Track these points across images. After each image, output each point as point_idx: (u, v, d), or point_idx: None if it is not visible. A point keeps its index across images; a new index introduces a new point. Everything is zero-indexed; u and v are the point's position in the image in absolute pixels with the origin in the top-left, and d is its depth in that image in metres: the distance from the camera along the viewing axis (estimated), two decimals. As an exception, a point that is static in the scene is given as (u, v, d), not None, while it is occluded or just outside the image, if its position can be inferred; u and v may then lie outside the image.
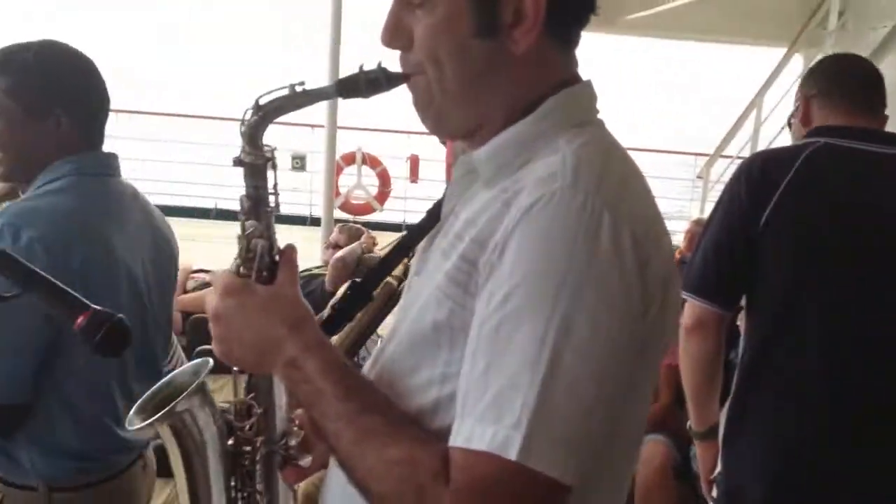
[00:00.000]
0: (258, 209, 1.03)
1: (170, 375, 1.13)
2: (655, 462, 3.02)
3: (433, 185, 11.25)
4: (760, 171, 1.82)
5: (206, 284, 4.73)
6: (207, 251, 7.95)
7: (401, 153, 10.67)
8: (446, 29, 0.91)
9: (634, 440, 0.98)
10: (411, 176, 10.51)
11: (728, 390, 1.95)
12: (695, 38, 8.03)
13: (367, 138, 10.82)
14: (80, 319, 1.00)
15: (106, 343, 1.01)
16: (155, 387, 1.12)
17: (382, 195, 10.57)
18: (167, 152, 11.16)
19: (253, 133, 1.00)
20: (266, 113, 0.99)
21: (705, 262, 1.87)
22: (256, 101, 0.99)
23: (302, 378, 0.91)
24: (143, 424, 1.05)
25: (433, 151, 10.15)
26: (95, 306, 1.01)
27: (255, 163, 1.01)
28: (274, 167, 1.04)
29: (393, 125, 10.37)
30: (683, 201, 10.94)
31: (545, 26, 0.91)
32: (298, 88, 0.98)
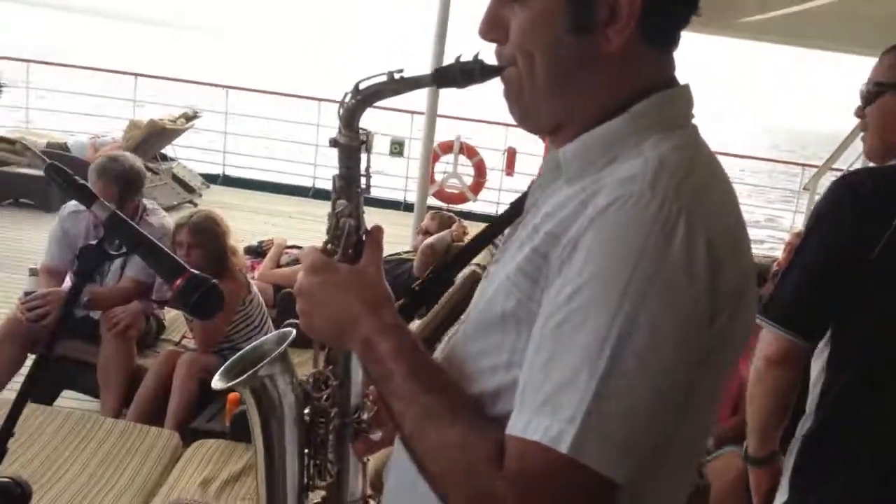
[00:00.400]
0: (349, 189, 1.06)
1: (256, 342, 1.18)
2: (731, 474, 2.96)
3: (528, 179, 11.20)
4: (872, 194, 1.68)
5: (298, 261, 4.85)
6: (304, 228, 8.16)
7: (498, 145, 10.68)
8: (541, 23, 0.93)
9: (694, 447, 0.98)
10: (507, 168, 10.50)
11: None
12: (812, 45, 7.75)
13: (466, 128, 10.88)
14: (178, 281, 1.06)
15: (200, 305, 1.06)
16: (242, 351, 1.17)
17: (477, 185, 10.60)
18: (271, 130, 11.45)
19: (350, 115, 1.03)
20: (364, 97, 1.02)
21: (797, 292, 1.75)
22: (356, 85, 1.02)
23: (374, 357, 0.94)
24: (226, 386, 1.10)
25: (531, 145, 10.11)
26: (193, 271, 1.07)
27: (350, 144, 1.05)
28: (368, 150, 1.07)
29: (492, 116, 10.38)
30: (782, 211, 10.61)
31: (640, 26, 0.91)
32: (397, 75, 1.01)
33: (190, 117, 9.49)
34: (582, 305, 0.82)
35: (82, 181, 1.10)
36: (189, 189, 9.17)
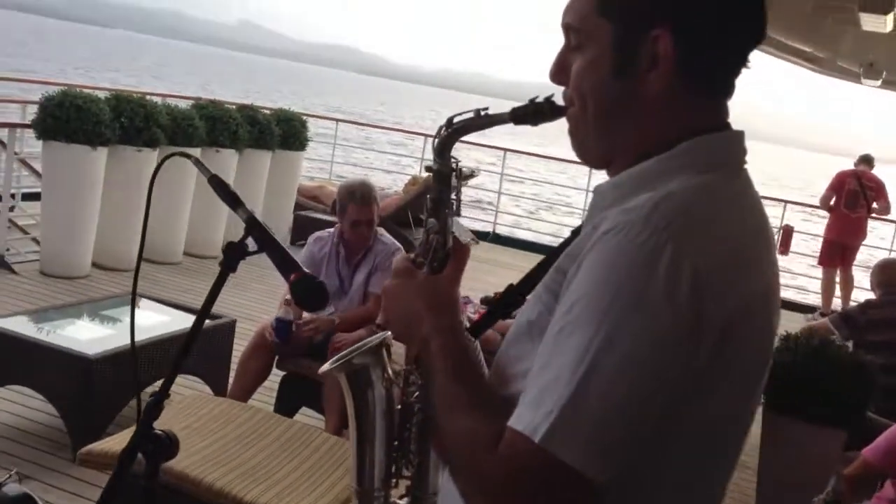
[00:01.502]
0: (439, 210, 1.21)
1: (366, 340, 1.34)
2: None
3: (804, 258, 10.56)
4: None
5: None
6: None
7: (774, 222, 10.23)
8: (591, 68, 1.03)
9: (699, 481, 1.00)
10: (781, 247, 9.97)
11: None
12: None
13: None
14: (293, 276, 1.27)
15: (308, 298, 1.27)
16: (355, 346, 1.34)
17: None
18: (543, 192, 11.84)
19: (442, 145, 1.19)
20: (455, 130, 1.18)
21: None
22: (449, 120, 1.18)
23: (428, 353, 1.08)
24: (325, 369, 1.28)
25: (809, 225, 9.55)
26: (306, 270, 1.28)
27: (441, 171, 1.20)
28: (458, 177, 1.21)
29: (770, 192, 9.98)
30: None
31: (682, 74, 0.99)
32: (482, 113, 1.15)
33: (466, 176, 10.10)
34: (574, 317, 0.91)
35: (233, 190, 1.35)
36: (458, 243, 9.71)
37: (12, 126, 6.71)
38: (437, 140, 1.19)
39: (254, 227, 1.30)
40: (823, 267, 9.34)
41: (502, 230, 11.03)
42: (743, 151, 1.04)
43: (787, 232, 9.88)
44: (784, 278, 10.47)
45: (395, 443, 1.29)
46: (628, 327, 0.88)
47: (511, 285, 1.22)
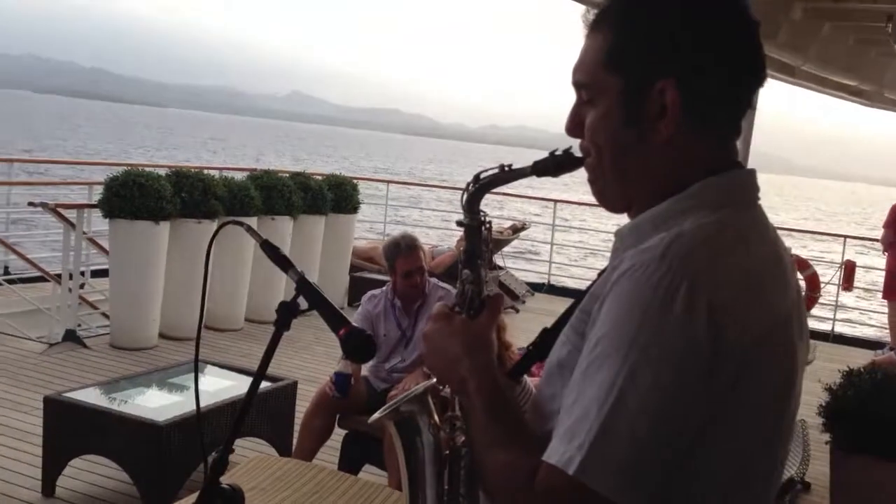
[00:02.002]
0: (472, 262, 1.29)
1: (413, 388, 1.41)
2: None
3: (869, 294, 10.32)
4: None
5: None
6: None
7: (836, 258, 10.08)
8: (603, 120, 1.11)
9: (729, 496, 1.03)
10: (844, 283, 9.82)
11: None
12: None
13: (799, 240, 10.40)
14: (342, 331, 1.35)
15: (357, 350, 1.35)
16: (403, 394, 1.41)
17: (809, 300, 9.99)
18: (591, 241, 11.81)
19: (471, 200, 1.27)
20: (482, 185, 1.26)
21: None
22: (476, 176, 1.26)
23: (465, 391, 1.15)
24: (374, 417, 1.35)
25: (871, 258, 9.38)
26: (354, 324, 1.36)
27: (472, 224, 1.28)
28: (488, 230, 1.29)
29: (827, 228, 9.84)
30: None
31: (690, 120, 1.06)
32: (506, 167, 1.24)
33: (518, 229, 10.20)
34: (599, 354, 0.98)
35: (283, 253, 1.45)
36: (514, 296, 9.76)
37: (80, 207, 7.02)
38: (465, 195, 1.27)
39: (304, 286, 1.40)
40: (889, 301, 9.13)
41: (556, 280, 11.04)
42: (755, 188, 1.11)
43: (850, 268, 9.72)
44: (845, 314, 10.27)
45: (446, 487, 1.35)
46: (650, 362, 0.94)
47: (545, 328, 1.28)
